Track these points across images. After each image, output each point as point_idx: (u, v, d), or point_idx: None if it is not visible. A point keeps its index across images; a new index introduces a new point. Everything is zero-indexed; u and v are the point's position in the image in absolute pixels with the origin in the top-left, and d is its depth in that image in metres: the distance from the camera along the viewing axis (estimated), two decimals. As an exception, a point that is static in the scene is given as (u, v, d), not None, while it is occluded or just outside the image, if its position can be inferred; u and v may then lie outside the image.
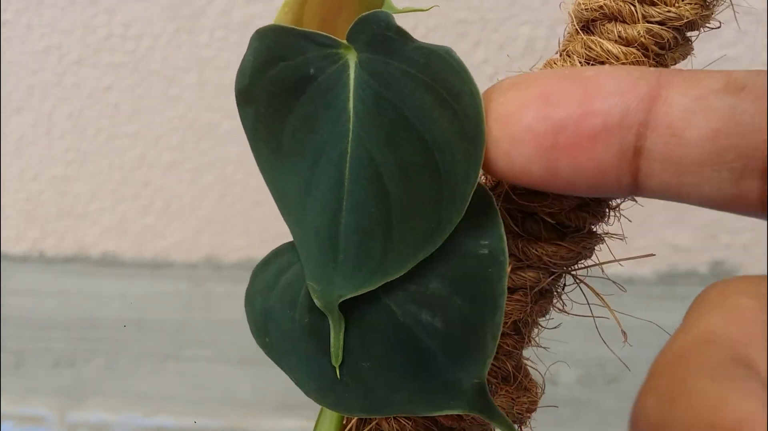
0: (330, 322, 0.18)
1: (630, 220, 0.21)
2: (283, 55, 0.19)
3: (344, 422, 0.21)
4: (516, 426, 0.21)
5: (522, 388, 0.21)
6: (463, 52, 0.46)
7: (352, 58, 0.19)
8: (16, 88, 0.52)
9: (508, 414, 0.21)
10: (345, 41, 0.19)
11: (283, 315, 0.20)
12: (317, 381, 0.19)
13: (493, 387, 0.20)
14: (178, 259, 0.54)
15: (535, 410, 0.21)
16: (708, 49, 0.44)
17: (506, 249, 0.18)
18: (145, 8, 0.49)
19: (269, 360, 0.21)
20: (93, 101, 0.51)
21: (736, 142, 0.15)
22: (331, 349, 0.18)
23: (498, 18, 0.46)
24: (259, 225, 0.52)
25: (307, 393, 0.19)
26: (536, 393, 0.21)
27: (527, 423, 0.21)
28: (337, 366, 0.18)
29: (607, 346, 0.22)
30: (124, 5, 0.49)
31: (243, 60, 0.20)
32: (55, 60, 0.51)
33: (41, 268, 0.55)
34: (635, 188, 0.17)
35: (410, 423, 0.20)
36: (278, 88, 0.19)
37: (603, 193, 0.17)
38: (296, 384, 0.19)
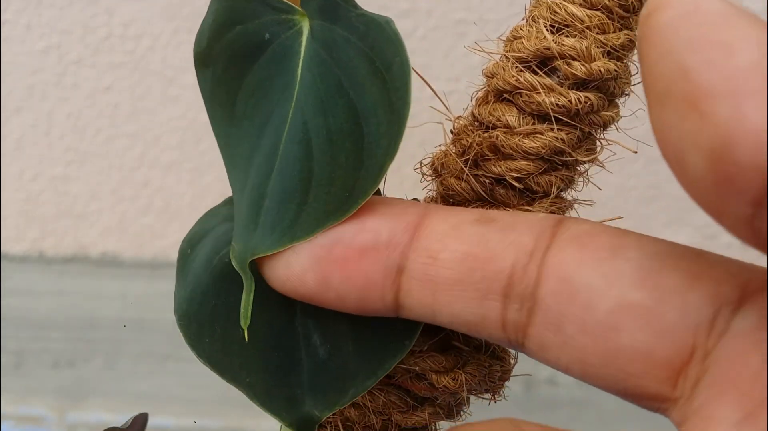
0: (243, 278, 0.19)
1: (600, 188, 0.21)
2: (241, 19, 0.19)
3: None
4: (489, 396, 0.22)
5: (495, 357, 0.21)
6: (463, 52, 0.46)
7: (305, 25, 0.19)
8: (15, 88, 0.52)
9: (480, 383, 0.21)
10: (299, 7, 0.19)
11: (202, 258, 0.21)
12: (195, 311, 0.20)
13: (465, 355, 0.21)
14: (178, 259, 0.54)
15: (508, 379, 0.22)
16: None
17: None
18: (145, 8, 0.49)
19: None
20: (92, 101, 0.51)
21: (482, 265, 0.17)
22: (241, 309, 0.18)
23: (498, 18, 0.46)
24: (259, 226, 0.52)
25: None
26: (509, 362, 0.22)
27: (501, 392, 0.22)
28: (245, 328, 0.18)
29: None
30: (124, 5, 0.49)
31: (202, 22, 0.20)
32: (54, 60, 0.51)
33: (41, 268, 0.55)
34: (397, 306, 0.18)
35: (383, 395, 0.21)
36: (235, 51, 0.19)
37: (368, 309, 0.19)
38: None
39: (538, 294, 0.17)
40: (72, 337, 0.55)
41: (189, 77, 0.50)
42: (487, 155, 0.20)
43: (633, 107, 0.48)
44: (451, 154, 0.21)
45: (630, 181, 0.47)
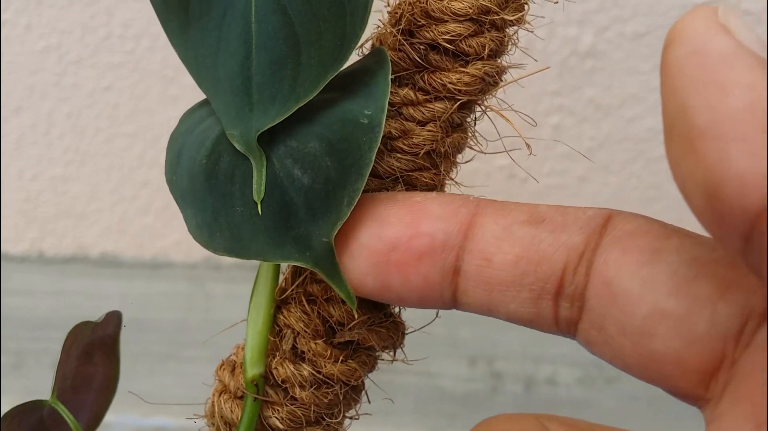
0: (252, 162, 0.19)
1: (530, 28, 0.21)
2: None
3: (281, 286, 0.22)
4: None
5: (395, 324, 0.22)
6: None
7: None
8: (15, 88, 0.52)
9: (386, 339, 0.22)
10: None
11: (189, 157, 0.21)
12: (199, 218, 0.20)
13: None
14: (178, 259, 0.54)
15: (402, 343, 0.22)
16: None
17: (383, 121, 0.19)
18: (144, 8, 0.49)
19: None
20: (92, 101, 0.51)
21: (534, 267, 0.18)
22: (254, 186, 0.19)
23: (497, 18, 0.46)
24: (259, 226, 0.52)
25: (188, 228, 0.20)
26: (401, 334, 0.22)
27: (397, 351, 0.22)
28: (258, 202, 0.19)
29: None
30: (123, 5, 0.49)
31: None
32: (54, 60, 0.51)
33: (40, 268, 0.55)
34: (455, 303, 0.19)
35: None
36: None
37: (428, 306, 0.19)
38: (184, 219, 0.20)
39: (585, 295, 0.17)
40: (72, 337, 0.55)
41: (189, 77, 0.50)
42: (419, 21, 0.20)
43: (633, 109, 0.48)
44: (386, 28, 0.21)
45: (630, 181, 0.47)
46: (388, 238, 0.18)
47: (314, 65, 0.19)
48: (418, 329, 0.23)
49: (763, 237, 0.12)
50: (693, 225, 0.51)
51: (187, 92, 0.50)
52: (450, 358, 0.51)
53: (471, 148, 0.22)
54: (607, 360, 0.18)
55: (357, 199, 0.19)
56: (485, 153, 0.22)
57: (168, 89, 0.50)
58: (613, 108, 0.46)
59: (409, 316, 0.22)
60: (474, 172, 0.22)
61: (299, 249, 0.18)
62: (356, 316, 0.20)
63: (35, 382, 0.55)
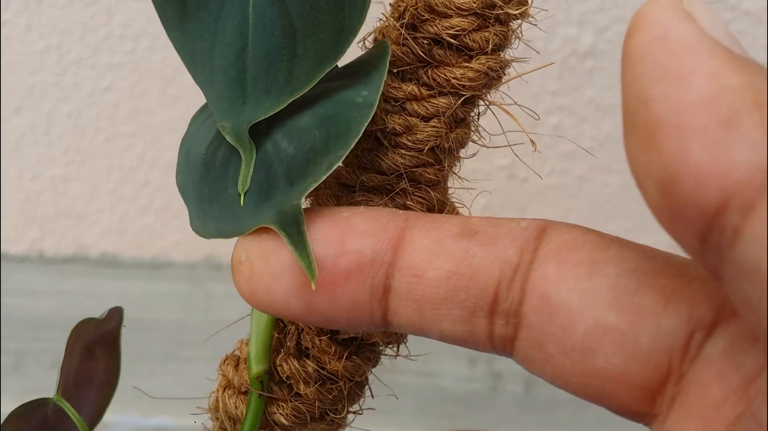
0: (241, 152, 0.19)
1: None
2: None
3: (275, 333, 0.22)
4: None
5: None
6: None
7: None
8: (15, 88, 0.52)
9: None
10: None
11: (193, 153, 0.20)
12: (197, 208, 0.19)
13: None
14: (178, 259, 0.54)
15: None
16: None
17: (377, 100, 0.19)
18: (144, 8, 0.49)
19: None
20: (92, 101, 0.51)
21: (467, 283, 0.17)
22: (240, 177, 0.19)
23: (497, 18, 0.46)
24: (259, 226, 0.52)
25: (190, 225, 0.19)
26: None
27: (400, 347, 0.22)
28: (242, 193, 0.18)
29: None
30: (123, 5, 0.49)
31: None
32: (54, 60, 0.51)
33: (40, 268, 0.55)
34: (386, 323, 0.18)
35: (326, 340, 0.21)
36: None
37: (357, 327, 0.18)
38: (189, 214, 0.20)
39: (522, 311, 0.17)
40: (72, 337, 0.55)
41: (189, 77, 0.50)
42: (423, 16, 0.20)
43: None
44: (390, 22, 0.21)
45: (630, 181, 0.47)
46: (314, 257, 0.17)
47: (310, 57, 0.19)
48: None
49: (722, 235, 0.12)
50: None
51: (187, 92, 0.50)
52: (450, 358, 0.51)
53: (474, 143, 0.22)
54: (548, 379, 0.17)
55: (337, 164, 0.18)
56: (488, 147, 0.22)
57: (168, 89, 0.50)
58: (613, 108, 0.46)
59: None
60: (474, 171, 0.22)
61: (272, 214, 0.18)
62: (312, 283, 0.20)
63: (35, 382, 0.55)
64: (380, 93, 0.19)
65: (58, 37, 0.50)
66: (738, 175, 0.11)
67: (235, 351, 0.23)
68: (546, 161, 0.47)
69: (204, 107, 0.22)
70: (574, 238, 0.17)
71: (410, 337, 0.22)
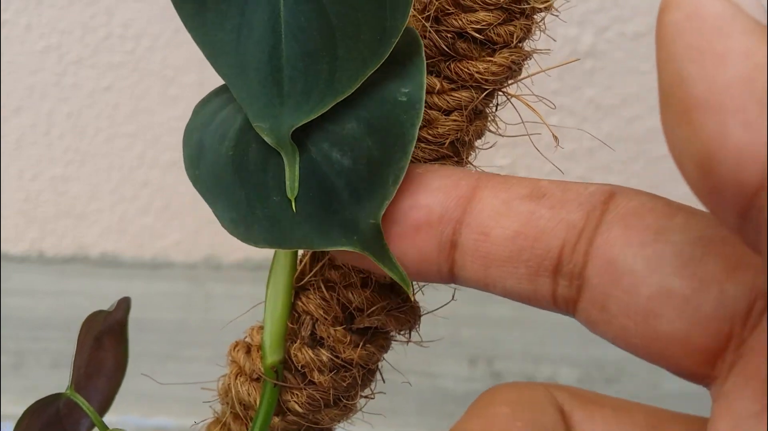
0: (284, 157, 0.18)
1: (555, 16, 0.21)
2: None
3: (296, 273, 0.22)
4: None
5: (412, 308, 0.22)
6: None
7: None
8: (15, 88, 0.52)
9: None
10: None
11: (212, 149, 0.20)
12: (232, 212, 0.19)
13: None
14: (178, 259, 0.54)
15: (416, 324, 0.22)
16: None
17: (423, 98, 0.18)
18: (144, 8, 0.49)
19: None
20: (92, 101, 0.51)
21: (532, 243, 0.17)
22: (287, 182, 0.18)
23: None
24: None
25: (221, 223, 0.19)
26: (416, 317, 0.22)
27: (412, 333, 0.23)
28: (292, 199, 0.18)
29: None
30: (123, 5, 0.49)
31: None
32: (54, 60, 0.51)
33: (40, 268, 0.55)
34: (452, 277, 0.19)
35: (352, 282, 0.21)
36: None
37: (425, 279, 0.19)
38: (215, 214, 0.19)
39: (585, 274, 0.17)
40: (72, 337, 0.55)
41: (189, 77, 0.50)
42: (448, 9, 0.20)
43: (633, 109, 0.47)
44: (413, 14, 0.21)
45: (631, 181, 0.47)
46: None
47: (352, 59, 0.18)
48: (433, 311, 0.22)
49: (762, 214, 0.12)
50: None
51: (187, 92, 0.50)
52: (450, 358, 0.51)
53: (491, 132, 0.22)
54: (609, 339, 0.17)
55: (402, 177, 0.18)
56: (503, 136, 0.22)
57: (168, 89, 0.50)
58: (613, 108, 0.46)
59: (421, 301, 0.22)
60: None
61: (345, 233, 0.18)
62: (412, 299, 0.20)
63: (35, 382, 0.55)
64: (424, 89, 0.18)
65: (58, 37, 0.50)
66: None
67: (246, 338, 0.23)
68: (546, 161, 0.47)
69: (211, 96, 0.21)
70: (642, 205, 0.17)
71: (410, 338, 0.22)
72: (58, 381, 0.58)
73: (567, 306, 0.18)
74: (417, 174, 0.18)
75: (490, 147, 0.22)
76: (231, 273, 0.53)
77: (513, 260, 0.17)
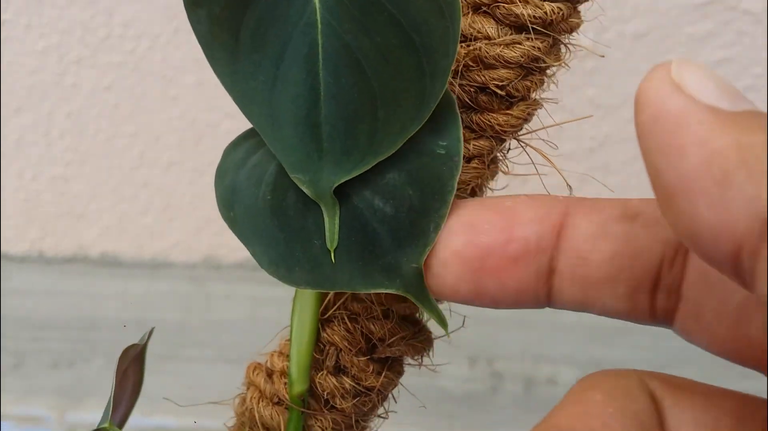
0: (323, 209, 0.19)
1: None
2: None
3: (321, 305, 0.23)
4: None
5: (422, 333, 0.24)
6: None
7: None
8: (15, 88, 0.52)
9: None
10: None
11: (248, 192, 0.20)
12: (271, 254, 0.20)
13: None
14: (178, 259, 0.54)
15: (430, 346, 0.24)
16: (707, 50, 0.44)
17: (462, 151, 0.19)
18: (144, 8, 0.49)
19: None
20: (92, 101, 0.51)
21: (630, 263, 0.18)
22: (326, 234, 0.19)
23: None
24: (259, 226, 0.52)
25: (260, 265, 0.20)
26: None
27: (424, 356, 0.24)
28: (332, 250, 0.19)
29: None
30: (123, 5, 0.49)
31: None
32: (54, 60, 0.51)
33: (40, 268, 0.55)
34: (549, 302, 0.19)
35: (374, 306, 0.22)
36: None
37: (522, 306, 0.19)
38: (252, 256, 0.20)
39: (682, 286, 0.18)
40: (72, 337, 0.55)
41: (189, 77, 0.50)
42: (471, 65, 0.21)
43: (633, 110, 0.47)
44: None
45: (630, 181, 0.47)
46: (483, 245, 0.18)
47: (393, 123, 0.19)
48: (441, 336, 0.23)
49: (744, 273, 0.13)
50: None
51: (187, 92, 0.50)
52: (450, 358, 0.51)
53: (502, 172, 0.23)
54: (703, 346, 0.18)
55: (443, 225, 0.19)
56: (515, 174, 0.23)
57: (168, 89, 0.50)
58: (613, 108, 0.46)
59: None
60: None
61: (389, 277, 0.19)
62: (449, 337, 0.21)
63: (35, 382, 0.55)
64: (462, 143, 0.19)
65: (58, 37, 0.50)
66: (741, 227, 0.13)
67: (266, 363, 0.24)
68: (546, 162, 0.47)
69: (240, 139, 0.22)
70: None
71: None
72: (58, 381, 0.59)
73: (665, 318, 0.18)
74: (507, 207, 0.19)
75: (503, 189, 0.24)
76: (231, 274, 0.53)
77: (612, 280, 0.18)
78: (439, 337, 0.23)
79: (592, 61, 0.45)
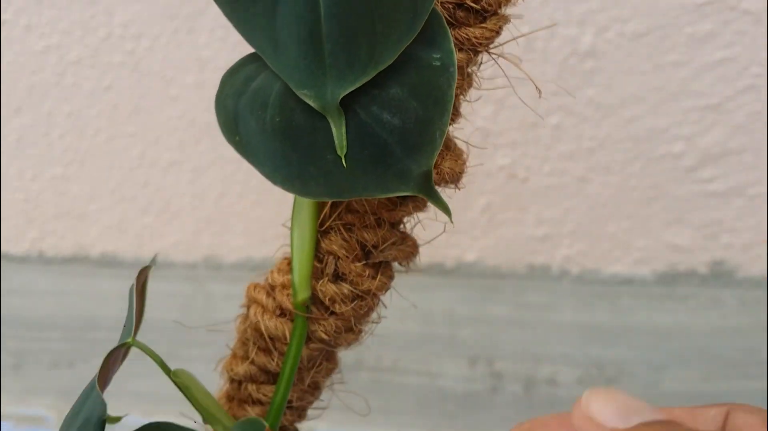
0: (330, 120, 0.21)
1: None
2: None
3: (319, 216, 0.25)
4: (453, 186, 0.26)
5: (457, 154, 0.26)
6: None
7: None
8: (15, 88, 0.52)
9: (449, 173, 0.25)
10: None
11: (253, 116, 0.22)
12: (284, 172, 0.21)
13: (444, 154, 0.25)
14: (178, 259, 0.54)
15: (465, 172, 0.26)
16: (707, 50, 0.44)
17: (455, 62, 0.21)
18: (144, 8, 0.49)
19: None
20: (92, 101, 0.51)
21: None
22: (336, 142, 0.21)
23: (497, 18, 0.46)
24: (259, 225, 0.52)
25: (273, 182, 0.21)
26: (464, 158, 0.26)
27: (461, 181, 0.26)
28: (342, 156, 0.21)
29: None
30: (123, 5, 0.49)
31: None
32: (54, 60, 0.51)
33: (40, 269, 0.55)
34: None
35: (375, 198, 0.24)
36: None
37: None
38: (263, 175, 0.22)
39: None
40: (72, 337, 0.55)
41: (189, 77, 0.50)
42: None
43: (633, 109, 0.47)
44: None
45: (631, 181, 0.47)
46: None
47: (389, 35, 0.21)
48: (428, 242, 0.25)
49: None
50: (694, 225, 0.51)
51: (187, 92, 0.50)
52: (450, 358, 0.51)
53: (475, 88, 0.25)
54: None
55: (446, 131, 0.21)
56: (513, 174, 0.24)
57: (168, 89, 0.50)
58: (613, 108, 0.46)
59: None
60: (474, 171, 0.23)
61: (403, 181, 0.21)
62: (452, 224, 0.23)
63: (35, 382, 0.55)
64: (455, 54, 0.21)
65: (58, 37, 0.50)
66: None
67: (267, 280, 0.26)
68: (546, 161, 0.47)
69: (237, 66, 0.23)
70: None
71: (408, 342, 0.23)
72: (57, 381, 0.59)
73: None
74: None
75: (502, 188, 0.25)
76: (231, 273, 0.53)
77: None
78: (426, 243, 0.26)
79: (592, 61, 0.45)
